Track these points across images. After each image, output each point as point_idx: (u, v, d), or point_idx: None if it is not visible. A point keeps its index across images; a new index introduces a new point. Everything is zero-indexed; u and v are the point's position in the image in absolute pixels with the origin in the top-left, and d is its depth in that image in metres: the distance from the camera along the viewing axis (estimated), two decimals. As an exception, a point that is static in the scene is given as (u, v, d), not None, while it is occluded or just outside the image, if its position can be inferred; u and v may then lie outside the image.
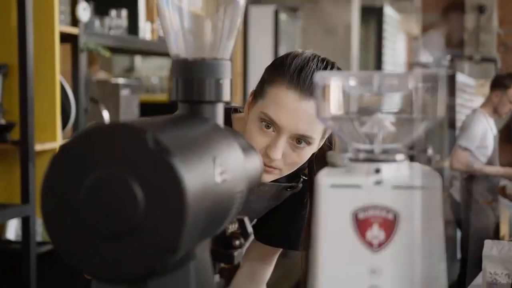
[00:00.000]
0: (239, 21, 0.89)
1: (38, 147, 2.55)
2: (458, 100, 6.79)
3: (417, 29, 9.63)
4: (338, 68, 1.32)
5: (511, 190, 4.82)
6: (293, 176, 1.41)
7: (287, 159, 1.27)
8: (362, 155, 0.76)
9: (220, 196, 0.72)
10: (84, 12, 2.78)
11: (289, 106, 1.23)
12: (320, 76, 0.76)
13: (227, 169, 0.76)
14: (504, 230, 4.63)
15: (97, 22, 3.09)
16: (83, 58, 2.83)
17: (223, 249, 0.82)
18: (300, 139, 1.25)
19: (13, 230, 2.73)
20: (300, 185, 1.44)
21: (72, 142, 0.67)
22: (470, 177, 4.42)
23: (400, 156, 0.75)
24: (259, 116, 1.25)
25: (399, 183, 0.71)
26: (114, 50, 3.34)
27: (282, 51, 5.68)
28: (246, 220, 0.86)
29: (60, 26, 2.69)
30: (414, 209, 0.70)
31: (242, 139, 0.91)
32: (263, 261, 1.58)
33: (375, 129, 0.77)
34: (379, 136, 0.76)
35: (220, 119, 0.88)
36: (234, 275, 1.47)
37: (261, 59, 4.73)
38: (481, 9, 9.59)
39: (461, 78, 7.31)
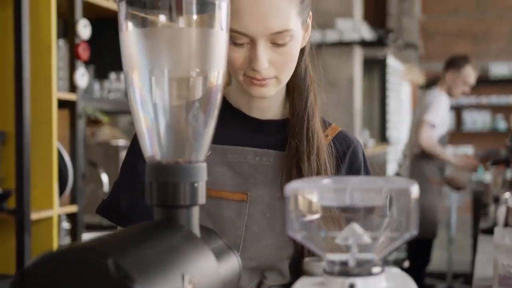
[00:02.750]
0: (213, 123, 0.88)
1: (35, 215, 2.53)
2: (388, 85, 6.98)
3: (422, 77, 9.70)
4: None
5: (454, 175, 4.80)
6: None
7: (276, 63, 1.16)
8: (336, 268, 0.73)
9: (187, 319, 0.70)
10: (82, 78, 2.79)
11: (248, 9, 1.10)
12: (290, 189, 0.74)
13: (198, 283, 0.74)
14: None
15: (96, 86, 3.10)
16: (81, 124, 2.83)
17: None
18: (278, 37, 1.13)
19: (9, 299, 2.69)
20: None
21: (31, 269, 0.65)
22: (421, 155, 4.40)
23: (376, 269, 0.73)
24: (230, 37, 1.08)
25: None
26: (115, 112, 3.35)
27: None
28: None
29: (59, 92, 2.70)
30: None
31: (219, 240, 0.89)
32: None
33: (350, 240, 0.75)
34: (354, 247, 0.74)
35: (195, 223, 0.86)
36: None
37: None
38: None
39: (391, 61, 7.36)
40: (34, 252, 2.54)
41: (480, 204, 4.65)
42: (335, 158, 1.27)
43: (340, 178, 0.79)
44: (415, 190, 0.72)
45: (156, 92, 0.85)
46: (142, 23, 0.84)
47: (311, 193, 0.74)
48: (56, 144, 2.64)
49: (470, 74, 4.45)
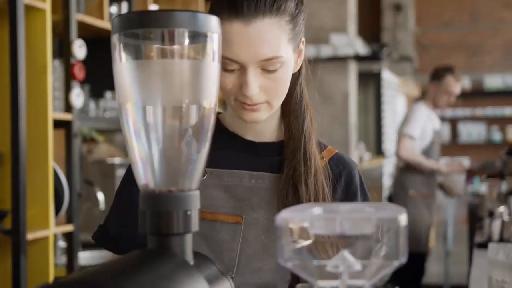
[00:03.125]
0: (206, 150, 0.89)
1: (31, 235, 2.54)
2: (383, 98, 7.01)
3: (417, 90, 9.75)
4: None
5: (449, 183, 4.80)
6: None
7: (267, 89, 1.16)
8: (327, 296, 0.75)
9: None
10: (78, 98, 2.81)
11: (238, 37, 1.12)
12: (281, 218, 0.75)
13: (191, 312, 0.75)
14: (432, 235, 4.63)
15: (92, 104, 3.12)
16: (76, 143, 2.85)
17: None
18: (268, 64, 1.14)
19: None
20: None
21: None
22: (405, 168, 4.42)
23: (366, 296, 0.74)
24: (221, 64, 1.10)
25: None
26: (110, 130, 3.37)
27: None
28: None
29: (54, 112, 2.72)
30: None
31: (212, 266, 0.90)
32: None
33: (341, 267, 0.76)
34: (344, 275, 0.75)
35: (189, 250, 0.87)
36: None
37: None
38: (397, 7, 9.74)
39: (386, 75, 7.41)
40: (31, 272, 2.54)
41: (476, 216, 4.65)
42: (332, 181, 1.29)
43: (330, 206, 0.81)
44: (403, 218, 0.73)
45: (149, 122, 0.86)
46: (136, 55, 0.85)
47: (302, 222, 0.75)
48: (52, 164, 2.65)
49: (451, 84, 4.45)
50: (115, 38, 0.85)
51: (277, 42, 1.13)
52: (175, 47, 0.84)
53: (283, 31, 1.14)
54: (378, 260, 0.75)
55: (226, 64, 1.14)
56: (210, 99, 0.87)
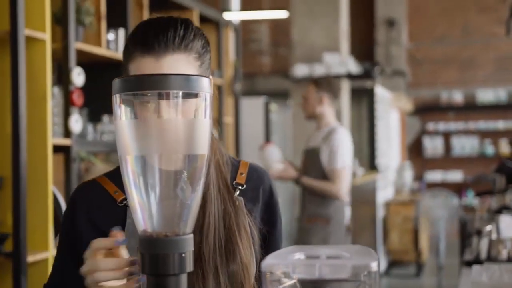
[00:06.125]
0: (199, 197, 0.98)
1: (31, 258, 2.62)
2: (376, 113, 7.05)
3: (410, 104, 9.86)
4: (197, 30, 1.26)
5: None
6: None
7: None
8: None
9: None
10: (76, 124, 2.89)
11: (150, 71, 1.20)
12: (265, 265, 0.84)
13: None
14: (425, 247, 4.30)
15: (90, 128, 3.20)
16: (75, 168, 2.93)
17: None
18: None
19: None
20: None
21: None
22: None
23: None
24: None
25: None
26: (108, 153, 3.45)
27: (274, 139, 5.80)
28: None
29: (54, 138, 2.80)
30: None
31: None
32: None
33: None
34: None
35: (183, 288, 0.95)
36: None
37: (253, 148, 4.84)
38: (390, 23, 9.85)
39: (379, 90, 7.51)
40: (31, 293, 2.62)
41: (466, 232, 4.70)
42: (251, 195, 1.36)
43: (311, 251, 0.89)
44: (374, 265, 0.82)
45: (147, 173, 0.95)
46: (134, 114, 0.95)
47: (285, 268, 0.84)
48: (51, 188, 2.73)
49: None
50: (115, 98, 0.94)
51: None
52: (170, 106, 0.93)
53: (191, 66, 1.24)
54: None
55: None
56: (203, 151, 0.96)
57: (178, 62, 1.22)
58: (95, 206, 1.31)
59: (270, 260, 0.85)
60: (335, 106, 4.06)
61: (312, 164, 3.91)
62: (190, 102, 0.95)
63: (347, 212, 4.10)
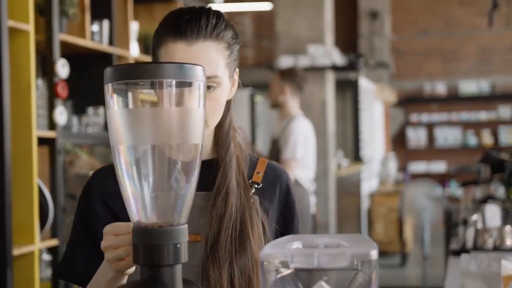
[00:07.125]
0: (193, 187, 0.97)
1: (16, 251, 2.59)
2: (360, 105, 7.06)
3: (394, 96, 9.90)
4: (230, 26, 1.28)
5: None
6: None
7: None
8: (305, 323, 0.83)
9: None
10: (61, 116, 2.86)
11: (181, 55, 1.22)
12: (263, 255, 0.83)
13: None
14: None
15: (75, 120, 3.17)
16: (60, 160, 2.90)
17: None
18: (207, 82, 1.18)
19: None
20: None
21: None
22: None
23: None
24: None
25: None
26: (93, 145, 3.42)
27: (259, 131, 5.81)
28: None
29: (38, 130, 2.77)
30: None
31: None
32: None
33: (318, 297, 0.84)
34: (321, 303, 0.83)
35: (178, 279, 0.94)
36: None
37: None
38: (374, 15, 9.90)
39: (363, 82, 7.55)
40: (17, 286, 2.59)
41: (451, 221, 4.72)
42: (268, 196, 1.36)
43: (309, 240, 0.89)
44: (374, 253, 0.82)
45: (140, 163, 0.94)
46: (127, 103, 0.93)
47: (283, 257, 0.83)
48: (36, 181, 2.70)
49: None
50: (107, 87, 0.92)
51: (215, 63, 1.24)
52: (164, 95, 0.92)
53: (221, 54, 1.26)
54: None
55: None
56: (196, 140, 0.95)
57: (209, 49, 1.24)
58: (109, 191, 1.30)
59: (268, 250, 0.84)
60: (299, 97, 4.10)
61: (275, 153, 3.99)
62: (183, 92, 0.94)
63: (313, 201, 4.16)
